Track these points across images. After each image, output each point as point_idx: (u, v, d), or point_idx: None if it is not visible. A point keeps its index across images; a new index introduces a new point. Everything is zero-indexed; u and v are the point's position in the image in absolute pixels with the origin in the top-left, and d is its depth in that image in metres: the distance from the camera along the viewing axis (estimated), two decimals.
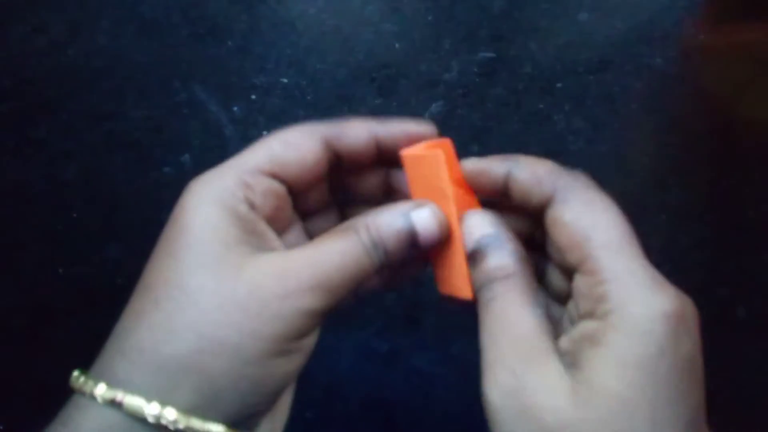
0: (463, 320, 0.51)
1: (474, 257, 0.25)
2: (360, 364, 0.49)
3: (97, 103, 0.54)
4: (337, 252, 0.23)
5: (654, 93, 0.55)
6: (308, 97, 0.54)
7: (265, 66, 0.55)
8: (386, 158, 0.27)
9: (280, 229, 0.26)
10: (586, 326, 0.22)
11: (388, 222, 0.24)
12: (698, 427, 0.21)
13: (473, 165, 0.26)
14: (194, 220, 0.22)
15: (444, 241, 0.26)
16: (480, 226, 0.25)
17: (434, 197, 0.26)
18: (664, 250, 0.51)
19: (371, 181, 0.28)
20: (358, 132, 0.26)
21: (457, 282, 0.25)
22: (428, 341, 0.50)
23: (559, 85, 0.55)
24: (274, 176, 0.25)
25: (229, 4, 0.56)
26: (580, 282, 0.23)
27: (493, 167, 0.25)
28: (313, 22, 0.55)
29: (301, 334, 0.22)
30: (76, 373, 0.22)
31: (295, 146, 0.25)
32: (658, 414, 0.20)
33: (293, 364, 0.23)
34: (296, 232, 0.28)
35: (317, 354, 0.49)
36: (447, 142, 0.27)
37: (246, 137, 0.54)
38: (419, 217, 0.25)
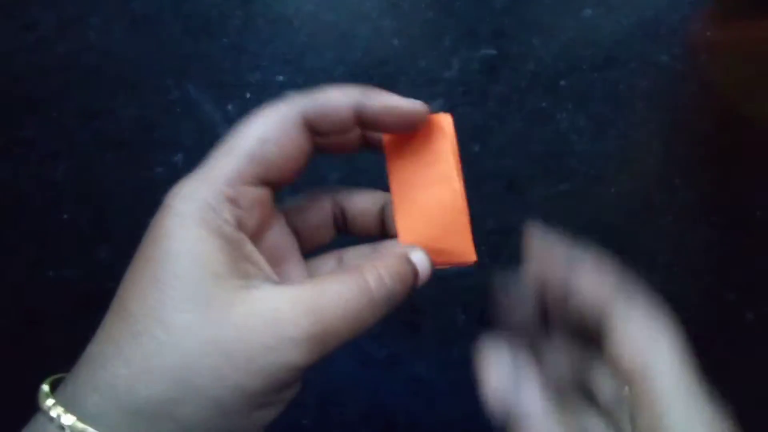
0: (463, 325, 0.50)
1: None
2: (358, 370, 0.48)
3: (87, 101, 0.53)
4: (343, 300, 0.21)
5: (660, 91, 0.54)
6: None
7: (260, 63, 0.54)
8: (366, 133, 0.25)
9: (263, 231, 0.24)
10: None
11: (395, 267, 0.23)
12: None
13: (541, 250, 0.26)
14: (179, 245, 0.21)
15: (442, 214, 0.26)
16: (499, 381, 0.25)
17: (428, 168, 0.26)
18: (671, 252, 0.50)
19: (348, 143, 0.26)
20: (340, 108, 0.23)
21: (462, 248, 0.26)
22: (427, 347, 0.49)
23: (562, 82, 0.54)
24: (257, 180, 0.23)
25: (223, 0, 0.55)
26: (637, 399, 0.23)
27: (556, 267, 0.25)
28: (309, 18, 0.54)
29: (286, 388, 0.21)
30: (45, 388, 0.21)
31: (275, 140, 0.22)
32: None
33: (272, 414, 0.22)
34: (277, 228, 0.26)
35: None
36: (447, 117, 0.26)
37: None
38: (417, 258, 0.25)
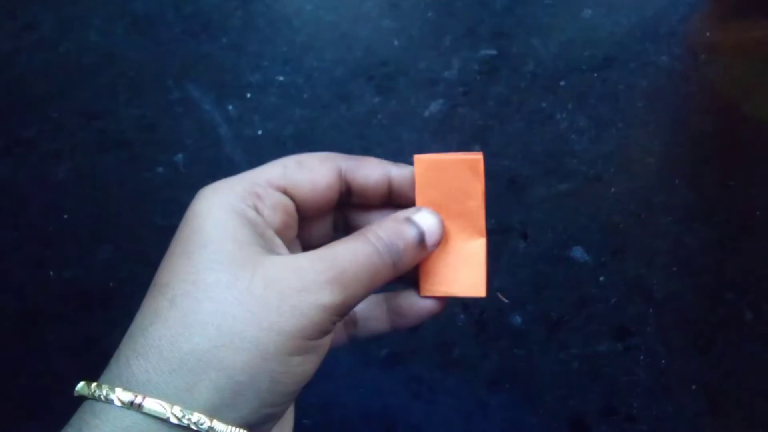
0: (463, 325, 0.51)
1: None
2: (358, 369, 0.48)
3: (88, 101, 0.53)
4: (351, 251, 0.24)
5: (659, 91, 0.54)
6: (305, 96, 0.53)
7: (260, 63, 0.54)
8: (395, 202, 0.28)
9: (287, 246, 0.26)
10: None
11: (395, 227, 0.26)
12: None
13: None
14: (206, 222, 0.23)
15: (455, 244, 0.28)
16: None
17: (455, 202, 0.27)
18: (671, 252, 0.50)
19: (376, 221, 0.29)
20: (373, 167, 0.27)
21: (474, 281, 0.27)
22: (427, 347, 0.49)
23: (562, 83, 0.54)
24: (285, 192, 0.26)
25: (223, 0, 0.55)
26: None
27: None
28: (309, 18, 0.54)
29: (319, 332, 0.22)
30: (81, 383, 0.21)
31: (309, 167, 0.26)
32: None
33: (310, 363, 0.23)
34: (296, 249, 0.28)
35: None
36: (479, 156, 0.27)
37: (241, 136, 0.53)
38: (421, 218, 0.26)
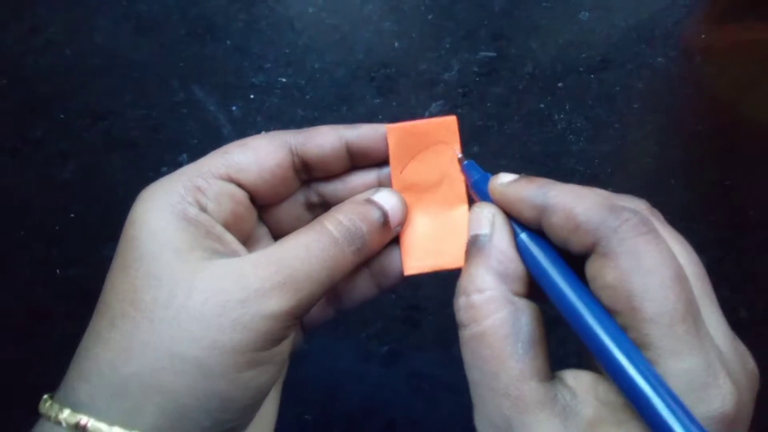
0: None
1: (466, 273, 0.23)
2: (359, 366, 0.49)
3: (94, 102, 0.54)
4: (302, 246, 0.22)
5: (656, 92, 0.54)
6: (307, 97, 0.54)
7: (263, 65, 0.54)
8: (359, 164, 0.26)
9: (244, 239, 0.24)
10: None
11: (355, 209, 0.24)
12: None
13: (507, 189, 0.23)
14: (142, 230, 0.21)
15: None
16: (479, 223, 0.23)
17: (433, 171, 0.26)
18: None
19: (352, 188, 0.26)
20: (324, 136, 0.25)
21: (460, 252, 0.24)
22: (427, 343, 0.49)
23: (559, 84, 0.54)
24: (230, 179, 0.24)
25: (227, 3, 0.55)
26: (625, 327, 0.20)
27: (527, 198, 0.22)
28: (311, 20, 0.55)
29: (270, 342, 0.21)
30: (45, 397, 0.21)
31: (253, 149, 0.24)
32: None
33: (266, 375, 0.21)
34: (264, 237, 0.26)
35: (316, 356, 0.49)
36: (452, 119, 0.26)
37: (244, 137, 0.54)
38: (381, 197, 0.24)
